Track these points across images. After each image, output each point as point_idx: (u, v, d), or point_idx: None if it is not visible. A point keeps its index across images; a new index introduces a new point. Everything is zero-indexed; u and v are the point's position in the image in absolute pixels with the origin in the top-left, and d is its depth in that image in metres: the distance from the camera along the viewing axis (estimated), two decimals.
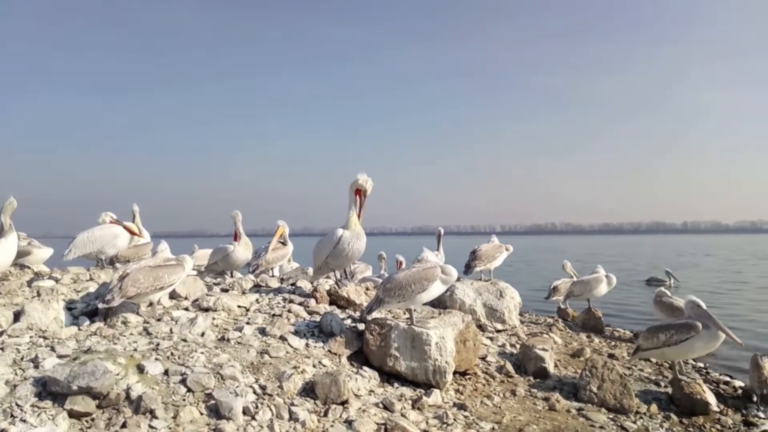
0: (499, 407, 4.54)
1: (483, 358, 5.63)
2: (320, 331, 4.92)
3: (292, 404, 3.71)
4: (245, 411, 3.49)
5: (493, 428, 4.08)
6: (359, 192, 5.66)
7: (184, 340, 4.30)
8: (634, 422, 4.57)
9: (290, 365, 4.21)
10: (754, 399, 5.32)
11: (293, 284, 6.43)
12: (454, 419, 4.09)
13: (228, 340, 4.44)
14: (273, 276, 7.23)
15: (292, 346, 4.53)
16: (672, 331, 5.13)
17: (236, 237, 7.41)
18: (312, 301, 5.64)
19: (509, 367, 5.45)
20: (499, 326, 7.21)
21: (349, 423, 3.65)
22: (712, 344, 5.08)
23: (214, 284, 6.39)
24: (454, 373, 4.89)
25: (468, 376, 5.09)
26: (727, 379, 6.37)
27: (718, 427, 4.72)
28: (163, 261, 4.88)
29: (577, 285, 8.98)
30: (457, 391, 4.75)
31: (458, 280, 7.63)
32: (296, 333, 4.80)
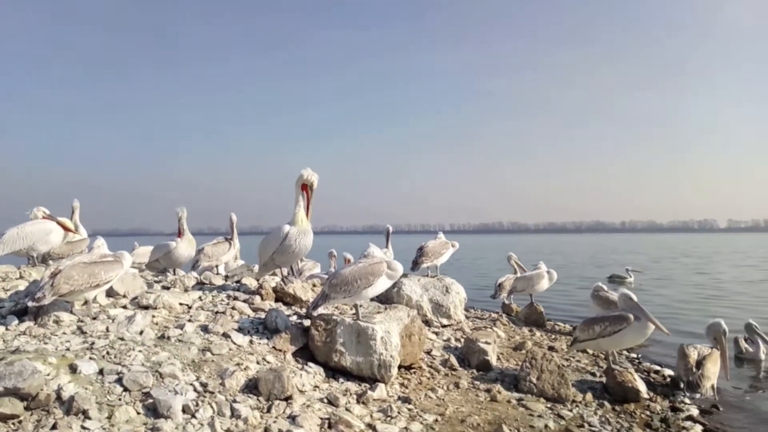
0: (443, 399, 4.63)
1: (428, 353, 5.72)
2: (265, 328, 4.87)
3: (234, 401, 3.65)
4: (185, 409, 3.41)
5: (436, 420, 4.16)
6: (306, 187, 5.62)
7: (122, 339, 4.15)
8: (570, 410, 4.76)
9: (233, 362, 4.14)
10: (681, 386, 5.64)
11: (238, 281, 6.32)
12: (398, 412, 4.14)
13: (168, 338, 4.33)
14: (218, 274, 7.09)
15: (235, 343, 4.46)
16: (606, 323, 5.37)
17: (180, 234, 7.21)
18: (257, 298, 5.57)
19: (453, 360, 5.56)
20: (445, 321, 7.35)
21: (292, 418, 3.62)
22: (643, 335, 5.36)
23: (155, 282, 6.20)
24: (400, 367, 4.95)
25: (413, 370, 5.16)
26: (658, 368, 6.72)
27: (648, 413, 4.98)
28: (99, 257, 4.69)
29: (520, 281, 9.26)
30: (402, 384, 4.81)
31: (405, 276, 7.73)
32: (240, 330, 4.73)
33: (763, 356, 7.20)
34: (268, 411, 3.68)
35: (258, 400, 3.79)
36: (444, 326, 7.26)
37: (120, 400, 3.41)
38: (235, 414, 3.52)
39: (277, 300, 5.80)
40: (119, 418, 3.23)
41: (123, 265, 4.76)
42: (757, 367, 7.02)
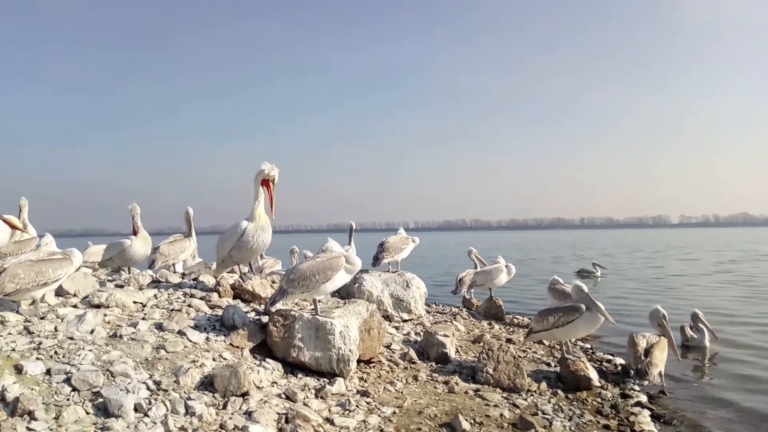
0: (402, 392, 4.68)
1: (388, 346, 5.76)
2: (222, 325, 4.81)
3: (189, 398, 3.59)
4: (137, 408, 3.34)
5: (394, 412, 4.20)
6: (266, 182, 5.55)
7: (71, 338, 4.03)
8: (525, 399, 4.88)
9: (188, 360, 4.08)
10: (631, 374, 5.86)
11: (195, 279, 6.23)
12: (357, 406, 4.16)
13: (121, 336, 4.22)
14: (175, 272, 6.95)
15: (191, 341, 4.39)
16: (560, 314, 5.54)
17: (134, 231, 7.04)
18: (214, 296, 5.50)
19: (412, 353, 5.62)
20: (406, 316, 7.41)
21: (248, 414, 3.60)
22: (594, 324, 5.54)
23: (108, 280, 6.04)
24: (359, 361, 4.97)
25: (372, 364, 5.19)
26: (610, 357, 6.96)
27: (599, 400, 5.16)
28: (47, 255, 4.54)
29: (479, 275, 9.42)
30: (361, 379, 4.83)
31: (366, 271, 7.75)
32: (196, 327, 4.65)
33: (707, 343, 7.54)
34: (224, 407, 3.65)
35: (214, 396, 3.75)
36: (404, 321, 7.32)
37: (68, 400, 3.32)
38: (189, 411, 3.47)
39: (235, 297, 5.73)
40: (67, 419, 3.14)
41: (72, 263, 4.62)
42: (702, 354, 7.35)
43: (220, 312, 5.06)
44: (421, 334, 6.37)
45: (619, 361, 6.64)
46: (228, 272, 6.43)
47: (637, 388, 5.63)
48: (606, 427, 4.49)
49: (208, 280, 6.10)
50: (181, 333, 4.47)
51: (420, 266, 21.24)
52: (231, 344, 4.56)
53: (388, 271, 7.92)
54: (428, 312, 8.56)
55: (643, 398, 5.30)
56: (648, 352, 5.76)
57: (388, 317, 7.28)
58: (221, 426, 3.41)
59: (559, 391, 5.21)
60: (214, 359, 4.23)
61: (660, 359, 5.76)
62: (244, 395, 3.82)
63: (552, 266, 21.76)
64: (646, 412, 4.91)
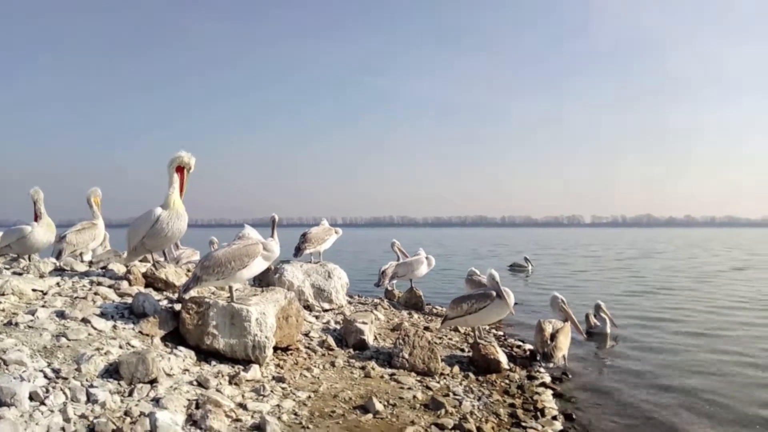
0: (318, 378, 4.71)
1: (306, 334, 5.77)
2: (131, 313, 4.62)
3: (92, 386, 3.43)
4: (32, 396, 3.15)
5: (309, 396, 4.22)
6: (181, 169, 5.41)
7: None
8: (438, 382, 5.07)
9: (92, 347, 3.89)
10: (538, 357, 6.22)
11: (104, 267, 5.93)
12: (272, 391, 4.15)
13: (16, 324, 3.96)
14: (82, 261, 6.57)
15: (96, 329, 4.19)
16: (473, 301, 5.78)
17: (36, 217, 6.57)
18: (124, 284, 5.27)
19: (331, 341, 5.67)
20: (327, 306, 7.44)
21: (156, 401, 3.49)
22: (504, 311, 5.84)
23: (6, 268, 5.63)
24: (276, 348, 4.95)
25: (290, 352, 5.18)
26: (520, 343, 7.36)
27: (507, 381, 5.44)
28: None
29: (400, 266, 9.60)
30: (277, 365, 4.81)
31: (287, 262, 7.70)
32: (102, 315, 4.45)
33: (608, 330, 8.14)
34: (130, 395, 3.52)
35: (119, 384, 3.61)
36: (325, 310, 7.35)
37: None
38: (91, 399, 3.32)
39: (147, 286, 5.51)
40: None
41: None
42: (603, 340, 7.92)
43: (129, 300, 4.86)
44: (341, 322, 6.43)
45: (528, 346, 7.04)
46: (141, 261, 6.18)
47: (542, 370, 5.98)
48: (512, 405, 4.76)
49: (118, 268, 5.83)
50: (85, 321, 4.25)
51: (345, 260, 21.34)
52: (140, 332, 4.39)
53: (310, 262, 7.91)
54: (350, 303, 8.64)
55: (547, 379, 5.66)
56: (553, 336, 6.14)
57: (308, 307, 7.28)
58: (126, 413, 3.28)
59: (471, 374, 5.44)
60: (120, 347, 4.06)
61: (564, 343, 6.16)
62: (153, 382, 3.70)
63: (472, 261, 22.56)
64: (549, 392, 5.24)
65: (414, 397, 4.53)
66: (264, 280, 7.56)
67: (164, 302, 5.01)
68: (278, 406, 3.91)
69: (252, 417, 3.65)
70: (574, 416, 4.65)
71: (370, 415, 4.02)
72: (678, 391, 5.39)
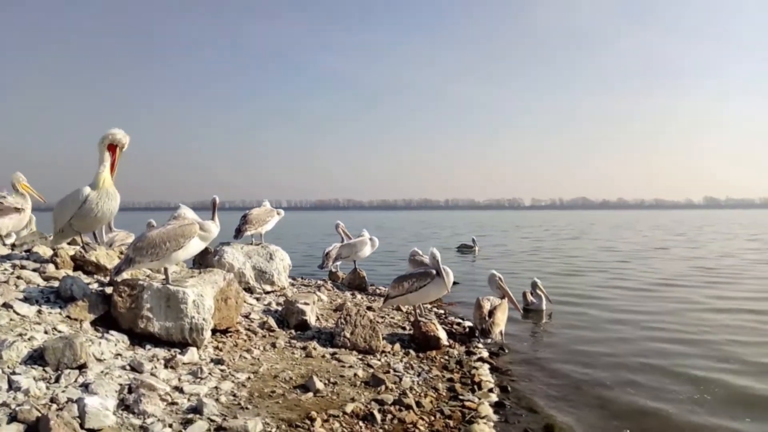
0: (258, 359, 4.67)
1: (247, 316, 5.69)
2: (58, 297, 4.41)
3: (14, 373, 3.26)
4: None
5: (249, 378, 4.18)
6: (113, 147, 5.15)
7: None
8: (379, 360, 5.14)
9: (14, 333, 3.69)
10: (477, 333, 6.41)
11: (28, 250, 5.60)
12: (210, 373, 4.08)
13: None
14: (4, 245, 6.18)
15: (18, 314, 3.97)
16: (413, 279, 5.87)
17: None
18: (50, 267, 5.00)
19: (272, 322, 5.62)
20: (268, 288, 7.36)
21: (86, 386, 3.35)
22: (443, 289, 5.96)
23: None
24: (215, 331, 4.86)
25: (229, 334, 5.10)
26: (460, 320, 7.55)
27: (446, 357, 5.58)
28: None
29: (344, 248, 9.61)
30: (216, 348, 4.73)
31: (228, 244, 7.54)
32: (26, 300, 4.21)
33: (544, 307, 8.48)
34: (57, 381, 3.36)
35: (44, 371, 3.44)
36: (267, 292, 7.27)
37: None
38: (13, 387, 3.15)
39: (76, 269, 5.25)
40: None
41: None
42: (539, 317, 8.25)
43: (56, 284, 4.62)
44: (283, 304, 6.38)
45: (468, 323, 7.23)
46: (69, 243, 5.88)
47: (480, 345, 6.17)
48: (450, 380, 4.89)
49: (44, 251, 5.52)
50: (6, 306, 4.01)
51: (289, 243, 21.21)
52: (68, 316, 4.19)
53: (251, 244, 7.77)
54: (293, 285, 8.59)
55: (485, 354, 5.84)
56: (491, 313, 6.33)
57: (250, 289, 7.18)
58: (52, 400, 3.14)
59: (412, 351, 5.55)
60: (46, 332, 3.86)
61: (501, 319, 6.37)
62: (81, 368, 3.55)
63: (415, 242, 22.92)
64: (486, 366, 5.42)
65: (355, 375, 4.58)
66: (204, 263, 7.38)
67: (95, 285, 4.80)
68: (216, 388, 3.85)
69: (188, 400, 3.58)
70: (509, 388, 4.83)
71: (310, 394, 4.03)
72: (605, 363, 5.70)
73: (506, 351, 6.14)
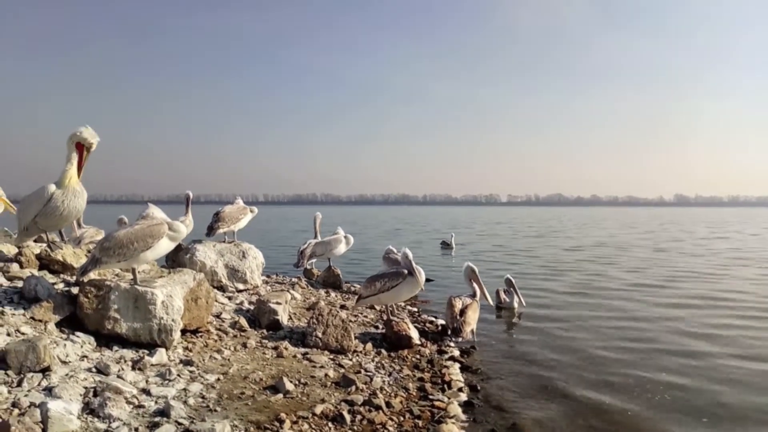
0: (228, 360, 4.64)
1: (218, 316, 5.65)
2: (22, 298, 4.32)
3: None
4: None
5: (219, 379, 4.16)
6: (81, 146, 5.06)
7: None
8: (351, 360, 5.16)
9: None
10: (448, 332, 6.48)
11: None
12: (178, 375, 4.04)
13: None
14: None
15: None
16: (385, 279, 5.90)
17: None
18: (14, 266, 4.89)
19: (243, 322, 5.59)
20: (241, 286, 7.31)
21: (49, 390, 3.30)
22: (415, 288, 6.01)
23: None
24: (185, 331, 4.82)
25: (200, 334, 5.06)
26: (433, 319, 7.61)
27: (418, 356, 5.63)
28: None
29: (319, 246, 9.59)
30: (186, 348, 4.68)
31: (200, 242, 7.46)
32: None
33: (516, 305, 8.58)
34: (19, 385, 3.30)
35: (6, 374, 3.37)
36: (240, 291, 7.22)
37: None
38: None
39: (42, 268, 5.15)
40: None
41: None
42: (511, 314, 8.35)
43: (20, 284, 4.52)
44: (255, 303, 6.34)
45: (440, 322, 7.30)
46: (35, 241, 5.76)
47: (452, 344, 6.23)
48: (421, 379, 4.94)
49: (8, 249, 5.40)
50: None
51: (264, 239, 21.10)
52: (32, 318, 4.11)
53: (224, 242, 7.71)
54: (267, 282, 8.55)
55: (456, 353, 5.91)
56: (463, 312, 6.40)
57: (222, 288, 7.12)
58: (14, 404, 3.08)
59: (384, 351, 5.58)
60: (8, 334, 3.79)
61: (473, 318, 6.44)
62: (45, 371, 3.49)
63: (391, 239, 23.01)
64: (457, 365, 5.48)
65: (326, 375, 4.59)
66: (176, 261, 7.30)
67: (61, 285, 4.72)
68: (185, 390, 3.82)
69: (156, 402, 3.54)
70: (478, 387, 4.90)
71: (280, 395, 4.03)
72: (574, 363, 5.80)
73: (477, 350, 6.22)
